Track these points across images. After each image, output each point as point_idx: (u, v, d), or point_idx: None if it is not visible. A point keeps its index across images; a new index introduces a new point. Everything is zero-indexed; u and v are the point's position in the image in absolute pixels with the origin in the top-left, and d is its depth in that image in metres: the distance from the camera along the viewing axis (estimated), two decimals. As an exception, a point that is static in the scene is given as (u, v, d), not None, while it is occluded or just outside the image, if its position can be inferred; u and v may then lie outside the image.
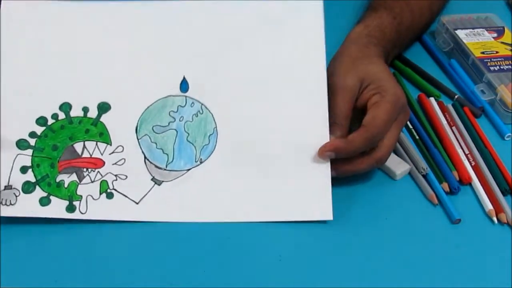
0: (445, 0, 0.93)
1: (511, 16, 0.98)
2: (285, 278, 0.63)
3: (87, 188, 0.67)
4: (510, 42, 0.90)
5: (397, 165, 0.73)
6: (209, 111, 0.68)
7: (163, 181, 0.67)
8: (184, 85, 0.69)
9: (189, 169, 0.67)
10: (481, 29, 0.92)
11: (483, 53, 0.87)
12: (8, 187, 0.66)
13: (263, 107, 0.69)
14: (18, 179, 0.66)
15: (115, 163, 0.67)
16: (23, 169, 0.67)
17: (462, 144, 0.77)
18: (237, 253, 0.65)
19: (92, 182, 0.67)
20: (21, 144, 0.67)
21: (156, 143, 0.67)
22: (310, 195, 0.68)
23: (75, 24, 0.70)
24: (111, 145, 0.68)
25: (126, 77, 0.69)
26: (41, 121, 0.68)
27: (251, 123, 0.68)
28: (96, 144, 0.68)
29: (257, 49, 0.70)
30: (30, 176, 0.67)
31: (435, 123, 0.80)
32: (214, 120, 0.68)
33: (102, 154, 0.67)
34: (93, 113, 0.68)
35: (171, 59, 0.70)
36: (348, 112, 0.69)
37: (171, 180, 0.67)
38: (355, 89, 0.70)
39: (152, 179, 0.67)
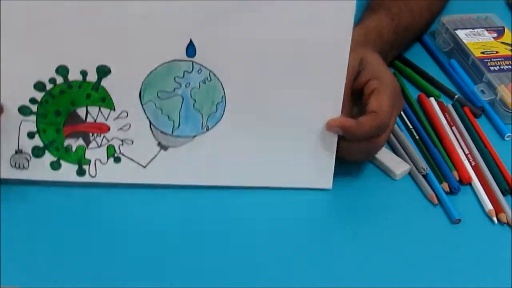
0: (445, 0, 0.93)
1: (511, 16, 0.98)
2: (285, 278, 0.63)
3: (95, 153, 0.67)
4: (510, 42, 0.90)
5: (397, 165, 0.73)
6: (217, 78, 0.65)
7: (169, 146, 0.67)
8: (191, 50, 0.64)
9: (195, 136, 0.67)
10: (481, 29, 0.92)
11: (483, 53, 0.88)
12: (19, 151, 0.67)
13: (275, 76, 0.66)
14: (27, 144, 0.67)
15: (120, 129, 0.67)
16: (30, 135, 0.67)
17: (462, 144, 0.77)
18: (236, 253, 0.65)
19: (99, 146, 0.67)
20: (24, 110, 0.66)
21: (161, 109, 0.66)
22: (312, 164, 0.69)
23: None
24: (114, 110, 0.66)
25: (127, 38, 0.64)
26: (39, 86, 0.65)
27: (262, 92, 0.66)
28: (99, 109, 0.66)
29: (275, 12, 0.63)
30: (38, 141, 0.67)
31: (435, 123, 0.80)
32: (222, 88, 0.66)
33: (106, 119, 0.67)
34: (92, 77, 0.65)
35: (176, 20, 0.63)
36: (348, 91, 0.68)
37: (178, 146, 0.67)
38: (354, 70, 0.69)
39: (158, 144, 0.67)
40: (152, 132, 0.67)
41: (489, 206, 0.71)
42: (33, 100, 0.66)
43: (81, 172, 0.68)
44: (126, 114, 0.67)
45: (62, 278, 0.61)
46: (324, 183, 0.70)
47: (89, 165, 0.68)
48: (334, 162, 0.69)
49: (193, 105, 0.66)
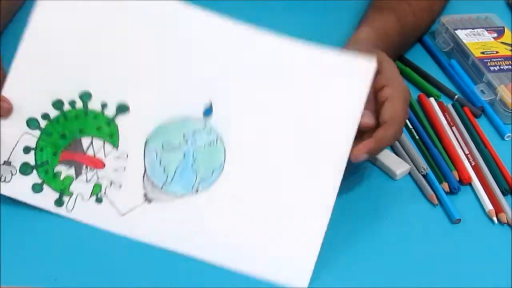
0: (445, 1, 0.93)
1: (511, 16, 0.98)
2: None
3: (81, 187, 0.65)
4: (510, 42, 0.90)
5: (397, 165, 0.73)
6: (223, 144, 0.65)
7: (153, 200, 0.65)
8: (208, 111, 0.65)
9: (183, 195, 0.65)
10: (481, 29, 0.92)
11: (483, 53, 0.88)
12: (7, 162, 0.66)
13: (278, 158, 0.65)
14: (19, 158, 0.66)
15: (115, 170, 0.66)
16: (26, 150, 0.66)
17: (462, 144, 0.77)
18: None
19: (87, 182, 0.66)
20: (32, 123, 0.66)
21: (160, 161, 0.65)
22: (292, 259, 0.63)
23: (113, 16, 0.67)
24: (117, 149, 0.66)
25: (153, 83, 0.66)
26: (58, 104, 0.66)
27: (261, 170, 0.65)
28: (104, 144, 0.66)
29: (293, 94, 0.65)
30: (30, 158, 0.66)
31: (435, 123, 0.80)
32: (224, 155, 0.65)
33: (105, 156, 0.66)
34: (110, 111, 0.66)
35: (203, 79, 0.66)
36: None
37: (162, 202, 0.65)
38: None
39: (144, 195, 0.65)
40: (143, 180, 0.65)
41: (489, 206, 0.71)
42: (45, 116, 0.66)
43: (59, 203, 0.65)
44: (126, 156, 0.66)
45: (62, 278, 0.61)
46: (299, 282, 0.62)
47: (70, 197, 0.65)
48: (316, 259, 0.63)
49: (191, 165, 0.65)
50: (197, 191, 0.64)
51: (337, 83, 0.66)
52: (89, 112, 0.66)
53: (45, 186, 0.66)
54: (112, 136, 0.66)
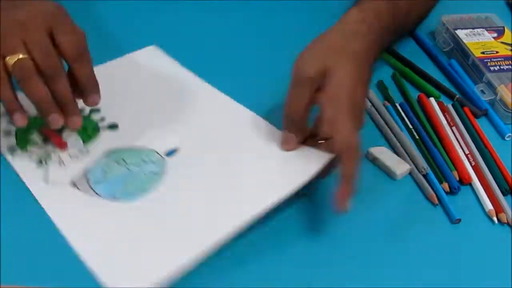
0: None
1: (511, 16, 0.98)
2: (285, 273, 0.63)
3: (38, 150, 0.70)
4: (510, 42, 0.90)
5: (397, 165, 0.73)
6: (160, 178, 0.69)
7: (76, 186, 0.68)
8: (171, 153, 0.71)
9: (98, 197, 0.67)
10: (481, 29, 0.92)
11: (483, 53, 0.88)
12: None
13: (204, 195, 0.67)
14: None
15: (70, 155, 0.70)
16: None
17: (462, 144, 0.77)
18: (237, 248, 0.65)
19: (45, 153, 0.71)
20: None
21: (105, 165, 0.70)
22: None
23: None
24: (83, 145, 0.72)
25: (143, 120, 0.75)
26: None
27: (180, 201, 0.67)
28: (77, 137, 0.72)
29: (244, 157, 0.71)
30: (37, 139, 0.72)
31: (435, 123, 0.80)
32: (156, 185, 0.68)
33: (71, 144, 0.71)
34: (103, 124, 0.74)
35: (177, 130, 0.74)
36: (306, 110, 0.68)
37: (80, 191, 0.67)
38: (316, 80, 0.68)
39: (70, 182, 0.68)
40: (82, 173, 0.69)
41: (489, 206, 0.71)
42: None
43: (11, 150, 0.70)
44: (87, 151, 0.71)
45: (62, 278, 0.61)
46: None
47: (21, 150, 0.70)
48: None
49: (125, 180, 0.68)
50: (114, 198, 0.67)
51: (288, 162, 0.70)
52: (87, 118, 0.74)
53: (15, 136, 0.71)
54: (89, 137, 0.73)
